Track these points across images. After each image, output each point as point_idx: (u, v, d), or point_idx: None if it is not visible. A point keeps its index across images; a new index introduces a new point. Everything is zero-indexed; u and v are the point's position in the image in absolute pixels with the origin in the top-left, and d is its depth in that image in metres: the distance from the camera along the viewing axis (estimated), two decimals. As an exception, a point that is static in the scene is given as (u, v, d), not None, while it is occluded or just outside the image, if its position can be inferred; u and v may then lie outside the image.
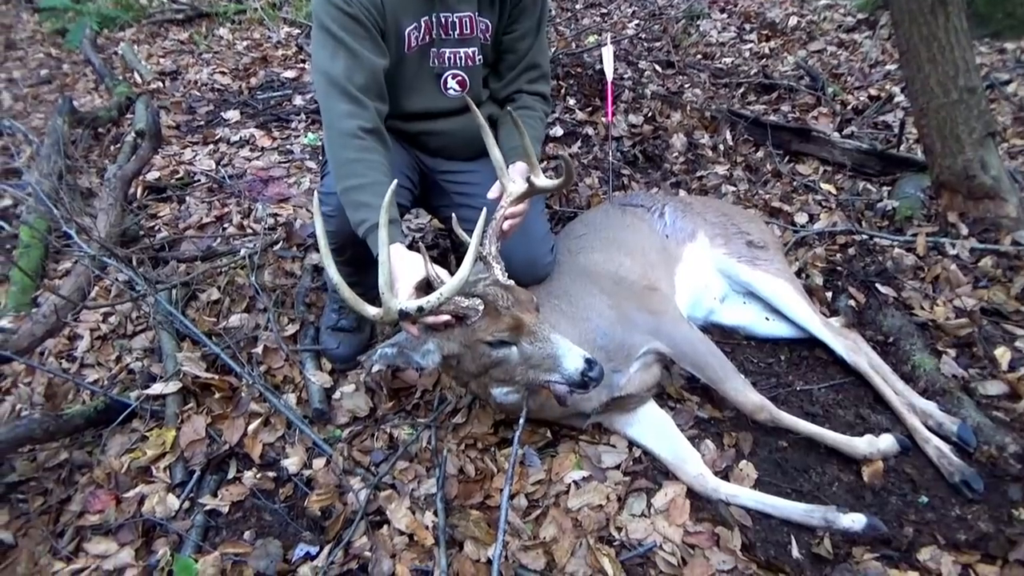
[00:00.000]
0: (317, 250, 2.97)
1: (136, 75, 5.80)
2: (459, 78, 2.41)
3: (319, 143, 4.36)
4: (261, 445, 2.40)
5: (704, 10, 6.30)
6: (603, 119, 3.88)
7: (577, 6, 6.82)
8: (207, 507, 2.20)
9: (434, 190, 2.60)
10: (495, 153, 2.09)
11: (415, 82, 2.36)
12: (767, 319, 2.70)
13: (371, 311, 1.79)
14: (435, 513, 2.10)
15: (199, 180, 4.14)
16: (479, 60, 2.41)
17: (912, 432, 2.26)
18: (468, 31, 2.34)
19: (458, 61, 2.38)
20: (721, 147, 4.19)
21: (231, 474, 2.34)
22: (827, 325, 2.57)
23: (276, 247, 3.34)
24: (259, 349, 2.73)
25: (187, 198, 3.93)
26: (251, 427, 2.43)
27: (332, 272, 1.79)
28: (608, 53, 3.25)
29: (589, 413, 2.23)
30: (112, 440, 2.44)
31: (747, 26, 6.02)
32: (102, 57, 6.27)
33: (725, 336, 2.76)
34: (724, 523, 2.04)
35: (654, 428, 2.28)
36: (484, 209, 1.88)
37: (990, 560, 1.90)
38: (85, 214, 3.54)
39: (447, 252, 3.25)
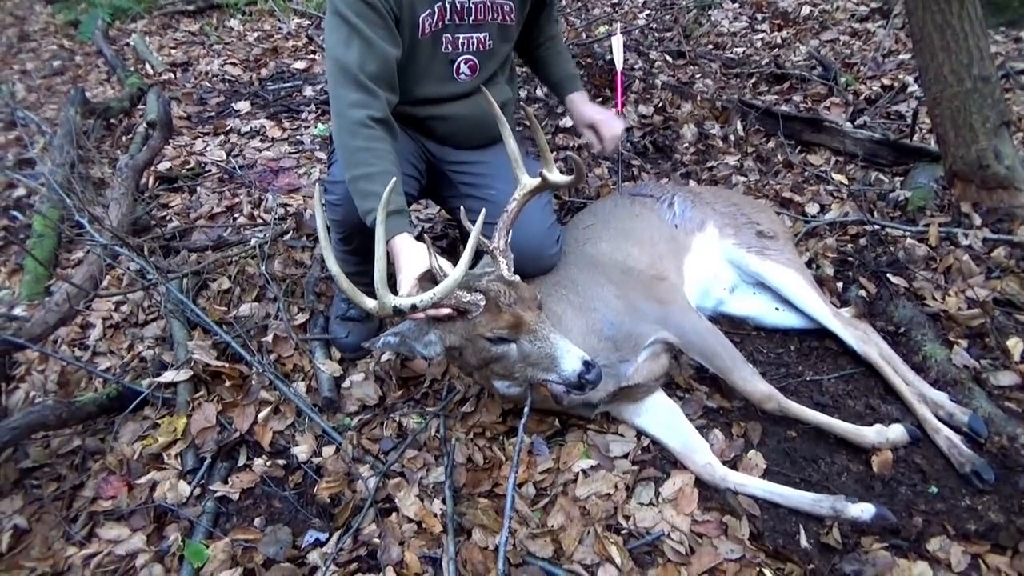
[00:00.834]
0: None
1: (148, 66, 5.84)
2: (471, 63, 2.41)
3: (328, 133, 4.37)
4: (271, 433, 2.42)
5: (715, 0, 6.25)
6: (613, 109, 3.86)
7: (588, -4, 6.78)
8: (218, 494, 2.22)
9: (442, 180, 2.60)
10: (511, 144, 2.08)
11: (428, 68, 2.35)
12: (777, 309, 2.69)
13: (368, 303, 1.80)
14: (443, 501, 2.11)
15: (210, 170, 4.17)
16: (490, 44, 2.41)
17: (922, 422, 2.24)
18: (483, 16, 2.34)
19: (471, 46, 2.38)
20: (732, 137, 4.16)
21: (241, 461, 2.36)
22: (837, 315, 2.55)
23: (286, 237, 3.36)
24: (269, 338, 2.75)
25: (198, 188, 3.96)
26: (261, 415, 2.46)
27: (331, 263, 1.80)
28: (618, 43, 3.23)
29: (596, 403, 2.24)
30: (124, 427, 2.47)
31: (759, 16, 5.98)
32: (114, 48, 6.31)
33: (735, 326, 2.75)
34: (732, 512, 2.04)
35: (662, 417, 2.28)
36: (483, 211, 1.88)
37: (1000, 551, 1.89)
38: (97, 204, 3.57)
39: (456, 242, 3.25)
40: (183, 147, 4.44)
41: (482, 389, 2.47)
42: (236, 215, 3.70)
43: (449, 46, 2.35)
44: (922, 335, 2.55)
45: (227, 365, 2.60)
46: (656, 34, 5.66)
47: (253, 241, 3.30)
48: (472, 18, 2.33)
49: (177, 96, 5.18)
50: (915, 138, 3.84)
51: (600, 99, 4.56)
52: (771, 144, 4.09)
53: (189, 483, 2.26)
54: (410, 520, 2.07)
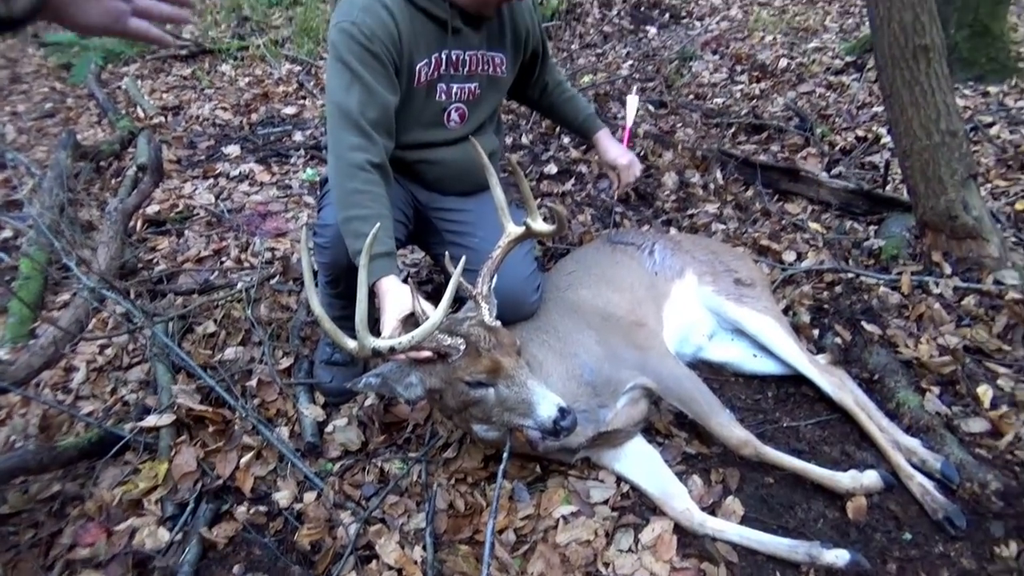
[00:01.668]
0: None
1: (139, 110, 5.91)
2: (461, 111, 2.50)
3: (317, 178, 4.44)
4: (253, 478, 2.42)
5: (696, 52, 6.44)
6: (594, 158, 3.97)
7: (573, 47, 6.97)
8: (199, 541, 2.21)
9: (427, 227, 2.66)
10: (497, 193, 2.15)
11: (420, 115, 2.44)
12: (754, 356, 2.74)
13: (349, 344, 1.83)
14: (424, 548, 2.12)
15: (198, 214, 4.21)
16: (479, 93, 2.51)
17: (896, 469, 2.29)
18: (475, 67, 2.45)
19: (462, 95, 2.48)
20: (712, 186, 4.27)
21: (223, 508, 2.35)
22: (813, 362, 2.61)
23: (272, 281, 3.39)
24: (253, 382, 2.77)
25: (186, 231, 3.99)
26: (243, 460, 2.46)
27: (314, 304, 1.83)
28: (633, 102, 3.30)
29: (576, 448, 2.26)
30: (105, 472, 2.46)
31: (738, 67, 6.16)
32: (106, 92, 6.38)
33: (713, 372, 2.80)
34: (710, 559, 2.06)
35: (641, 463, 2.31)
36: (463, 257, 1.95)
37: (973, 597, 1.92)
38: (85, 246, 3.60)
39: (441, 287, 3.29)
40: (172, 190, 4.49)
41: (464, 434, 2.49)
42: (223, 259, 3.73)
43: (443, 95, 2.44)
44: (895, 382, 2.61)
45: (211, 409, 2.61)
46: (639, 84, 5.81)
47: (240, 285, 3.33)
48: (466, 69, 2.43)
49: (168, 140, 5.25)
50: (888, 188, 3.96)
51: (584, 147, 4.67)
52: (750, 193, 4.19)
53: (169, 529, 2.25)
54: (390, 567, 2.08)
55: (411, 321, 1.97)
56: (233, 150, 5.03)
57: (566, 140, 4.78)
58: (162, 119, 5.72)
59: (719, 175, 4.33)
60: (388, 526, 2.22)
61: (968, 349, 2.74)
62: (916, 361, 2.71)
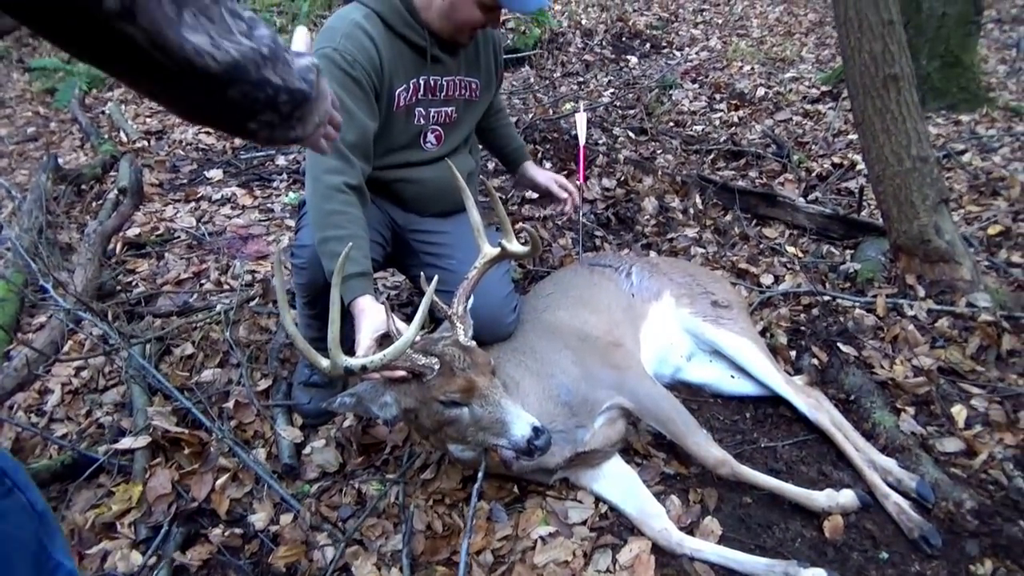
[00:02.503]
0: (292, 306, 3.04)
1: (122, 134, 5.92)
2: (437, 133, 2.56)
3: (299, 201, 4.44)
4: (228, 500, 2.39)
5: (676, 80, 6.57)
6: (576, 182, 4.03)
7: (556, 75, 7.08)
8: (173, 563, 2.18)
9: (405, 249, 2.67)
10: (474, 214, 2.17)
11: (398, 138, 2.48)
12: (732, 377, 2.76)
13: (323, 362, 1.83)
14: (401, 570, 2.09)
15: (179, 236, 4.20)
16: (455, 117, 2.56)
17: (872, 488, 2.30)
18: (452, 92, 2.51)
19: (439, 118, 2.53)
20: (691, 211, 4.32)
21: (198, 530, 2.32)
22: (790, 383, 2.63)
23: (252, 303, 3.37)
24: (230, 404, 2.74)
25: (166, 254, 3.98)
26: (219, 482, 2.43)
27: (287, 323, 1.83)
28: (581, 119, 3.41)
29: (554, 468, 2.26)
30: (77, 495, 2.42)
31: (717, 96, 6.28)
32: (89, 116, 6.39)
33: (692, 393, 2.81)
34: (688, 579, 2.06)
35: (620, 483, 2.30)
36: (435, 277, 1.96)
37: (948, 616, 1.93)
38: (63, 269, 3.58)
39: (421, 309, 3.30)
40: (153, 213, 4.48)
41: (442, 455, 2.48)
42: (203, 281, 3.72)
43: (420, 118, 2.49)
44: (871, 402, 2.63)
45: (187, 431, 2.58)
46: (620, 111, 5.91)
47: (219, 307, 3.32)
48: (443, 94, 2.49)
49: (150, 164, 5.25)
50: (863, 213, 4.03)
51: (566, 172, 4.72)
52: (728, 217, 4.25)
53: (143, 553, 2.21)
54: (367, 589, 2.05)
55: (387, 341, 1.97)
56: (216, 174, 5.04)
57: (548, 165, 4.82)
58: (145, 143, 5.73)
59: (698, 200, 4.39)
60: (365, 547, 2.19)
61: (942, 370, 2.77)
62: (891, 382, 2.74)
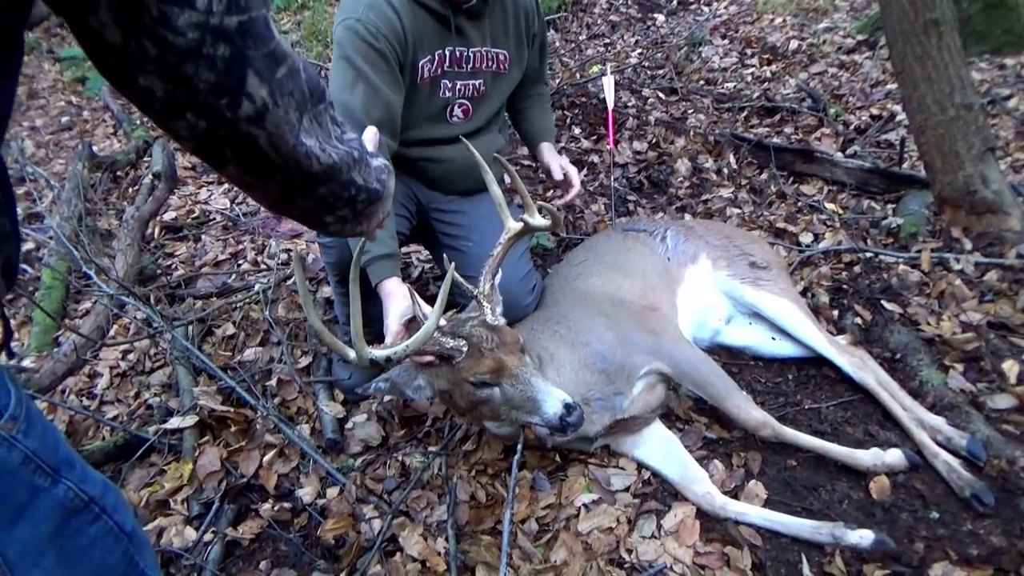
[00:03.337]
0: (327, 283, 3.06)
1: (153, 119, 5.97)
2: (464, 107, 2.51)
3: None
4: (276, 476, 2.44)
5: (705, 37, 6.39)
6: (606, 147, 3.98)
7: (581, 37, 6.94)
8: (225, 538, 2.24)
9: (425, 227, 2.68)
10: (495, 190, 2.14)
11: (423, 111, 2.44)
12: (773, 339, 2.72)
13: (350, 354, 1.83)
14: (446, 540, 2.12)
15: (214, 219, 4.25)
16: (483, 90, 2.50)
17: (921, 448, 2.26)
18: (479, 64, 2.45)
19: (466, 91, 2.48)
20: (725, 171, 4.24)
21: (248, 506, 2.38)
22: (833, 343, 2.58)
23: (289, 281, 3.41)
24: (273, 382, 2.79)
25: (203, 236, 4.04)
26: (266, 458, 2.48)
27: (312, 318, 1.80)
28: (609, 82, 3.35)
29: (593, 437, 2.26)
30: (131, 474, 2.49)
31: (748, 51, 6.10)
32: (120, 103, 6.45)
33: (732, 357, 2.78)
34: (734, 543, 2.05)
35: (661, 449, 2.30)
36: (452, 263, 1.91)
37: (1003, 574, 1.89)
38: (104, 255, 3.65)
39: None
40: (188, 196, 4.54)
41: (483, 427, 2.50)
42: (240, 261, 3.77)
43: (446, 91, 2.44)
44: (918, 360, 2.57)
45: (232, 410, 2.64)
46: (648, 72, 5.78)
47: (257, 287, 3.36)
48: (470, 66, 2.43)
49: (182, 147, 5.29)
50: (905, 166, 3.90)
51: (595, 136, 4.67)
52: (764, 176, 4.16)
53: (196, 529, 2.28)
54: (414, 559, 2.09)
55: (414, 324, 1.98)
56: (247, 154, 5.06)
57: (577, 131, 4.76)
58: (176, 127, 5.77)
59: (732, 159, 4.30)
60: (411, 519, 2.23)
61: (992, 325, 2.69)
62: (939, 339, 2.68)
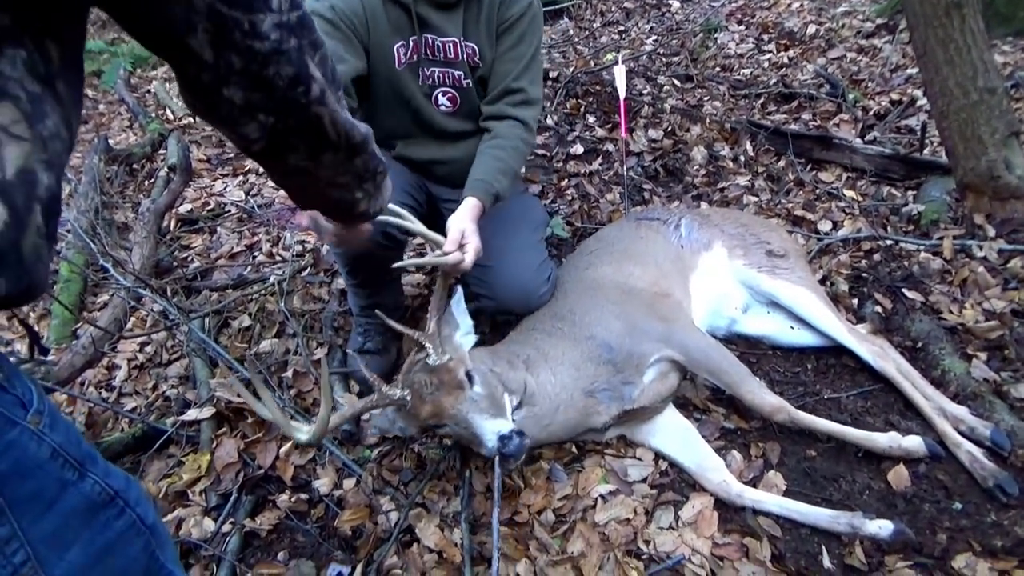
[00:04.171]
0: (341, 275, 3.06)
1: (168, 112, 6.00)
2: (449, 95, 2.53)
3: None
4: (293, 467, 2.45)
5: (721, 23, 6.31)
6: (620, 136, 3.95)
7: (595, 25, 6.89)
8: (244, 529, 2.25)
9: (436, 216, 2.67)
10: (418, 227, 2.14)
11: (411, 99, 2.49)
12: (791, 328, 2.69)
13: (302, 437, 1.87)
14: (462, 531, 2.12)
15: (229, 211, 4.26)
16: (467, 83, 2.50)
17: (943, 437, 2.22)
18: (452, 55, 2.46)
19: (447, 80, 2.50)
20: (742, 158, 4.19)
21: (265, 497, 2.39)
22: (852, 332, 2.55)
23: (304, 273, 3.42)
24: (289, 373, 2.79)
25: (218, 228, 4.05)
26: (283, 450, 2.49)
27: (261, 410, 1.85)
28: (621, 72, 3.32)
29: (602, 428, 2.26)
30: (150, 466, 2.51)
31: (765, 37, 6.02)
32: (135, 96, 6.49)
33: (750, 346, 2.75)
34: (752, 534, 2.03)
35: (677, 437, 2.28)
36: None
37: (1028, 566, 1.86)
38: (121, 248, 3.67)
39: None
40: (203, 189, 4.55)
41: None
42: (255, 253, 3.78)
43: (427, 79, 2.48)
44: (940, 349, 2.53)
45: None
46: (663, 59, 5.72)
47: (272, 278, 3.37)
48: (443, 55, 2.45)
49: (197, 140, 5.32)
50: (926, 152, 3.84)
51: (609, 124, 4.63)
52: (781, 163, 4.11)
53: (214, 519, 2.29)
54: (431, 550, 2.09)
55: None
56: (261, 146, 5.07)
57: (591, 119, 4.72)
58: (191, 120, 5.79)
59: (749, 147, 4.25)
60: (428, 510, 2.23)
61: (1016, 313, 2.65)
62: (961, 327, 2.63)
